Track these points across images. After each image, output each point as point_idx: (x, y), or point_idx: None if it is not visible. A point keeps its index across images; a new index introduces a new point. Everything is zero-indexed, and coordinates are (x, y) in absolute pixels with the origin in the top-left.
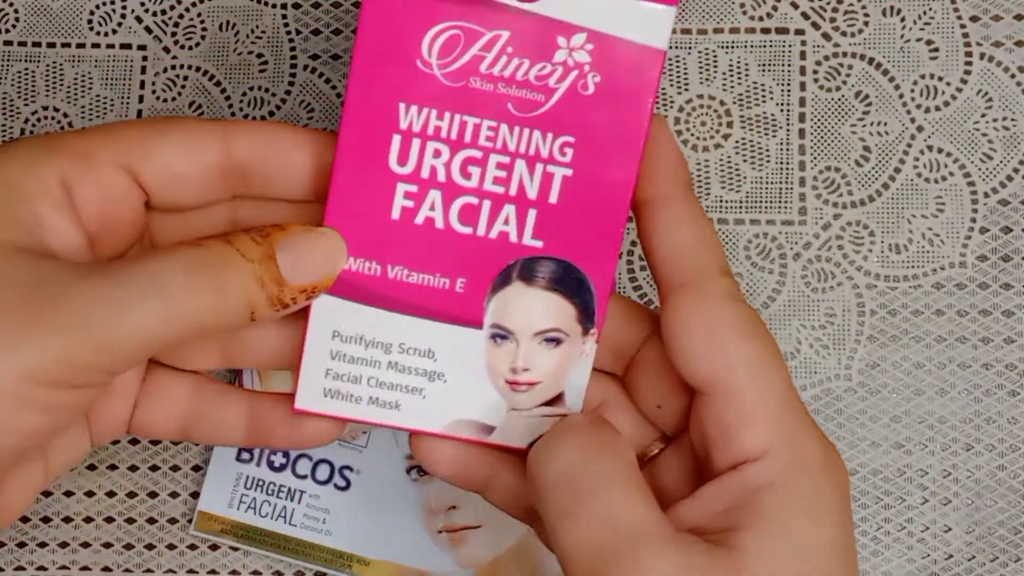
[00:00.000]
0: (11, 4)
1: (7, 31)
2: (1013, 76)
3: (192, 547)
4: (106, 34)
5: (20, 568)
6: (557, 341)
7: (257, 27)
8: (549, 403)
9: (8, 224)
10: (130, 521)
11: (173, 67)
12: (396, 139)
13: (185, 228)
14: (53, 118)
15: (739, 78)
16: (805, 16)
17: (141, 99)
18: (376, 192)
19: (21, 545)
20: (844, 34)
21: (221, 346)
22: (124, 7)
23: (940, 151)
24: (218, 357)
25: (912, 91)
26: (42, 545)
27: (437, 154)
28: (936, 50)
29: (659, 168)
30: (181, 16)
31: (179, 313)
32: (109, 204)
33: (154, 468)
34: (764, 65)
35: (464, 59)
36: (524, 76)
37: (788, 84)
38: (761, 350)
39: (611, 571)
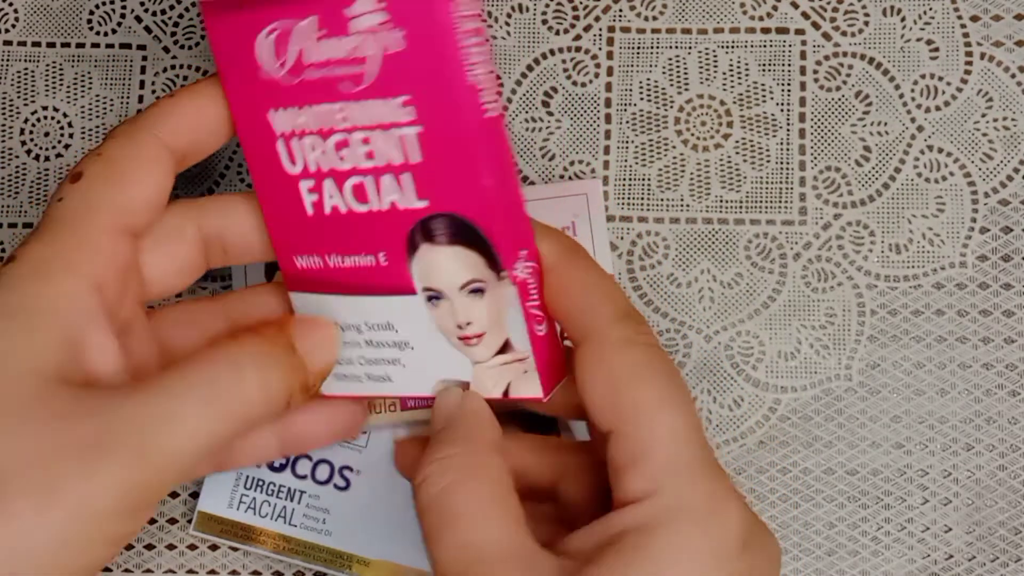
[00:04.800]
0: (11, 4)
1: (7, 31)
2: (1013, 76)
3: (192, 547)
4: (106, 34)
5: None
6: (480, 291)
7: None
8: (503, 351)
9: (47, 350)
10: None
11: (173, 67)
12: (280, 144)
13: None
14: (53, 118)
15: (739, 78)
16: (805, 16)
17: (141, 99)
18: (287, 195)
19: None
20: (844, 34)
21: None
22: (124, 7)
23: (940, 151)
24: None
25: (912, 91)
26: None
27: (314, 147)
28: (936, 50)
29: (541, 243)
30: (181, 16)
31: (229, 414)
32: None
33: None
34: (764, 65)
35: (291, 55)
36: (341, 54)
37: (788, 84)
38: (655, 394)
39: None
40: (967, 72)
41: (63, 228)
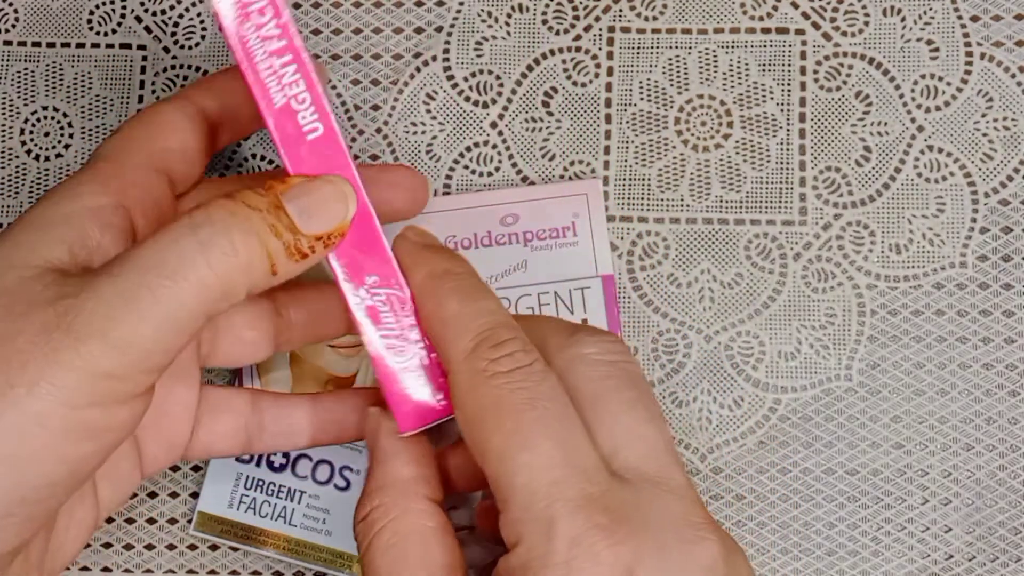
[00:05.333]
0: (11, 4)
1: (7, 31)
2: (1014, 76)
3: (192, 547)
4: (106, 34)
5: None
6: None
7: None
8: None
9: (48, 249)
10: (130, 521)
11: (173, 67)
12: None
13: None
14: (53, 118)
15: (739, 78)
16: (805, 16)
17: (141, 99)
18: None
19: None
20: (844, 34)
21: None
22: (124, 7)
23: (940, 151)
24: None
25: (912, 91)
26: None
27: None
28: (936, 50)
29: (410, 272)
30: (181, 16)
31: (199, 285)
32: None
33: None
34: (764, 65)
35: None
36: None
37: (788, 84)
38: (502, 440)
39: None
40: (967, 72)
41: (99, 160)
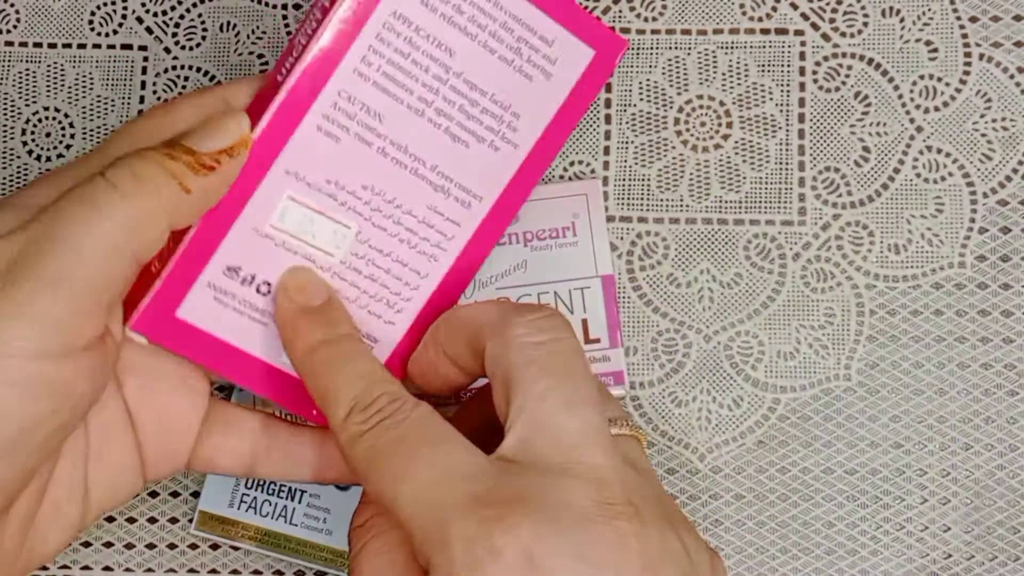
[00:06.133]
0: (12, 5)
1: (8, 31)
2: (1012, 77)
3: (193, 546)
4: (107, 35)
5: None
6: None
7: (258, 28)
8: None
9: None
10: (131, 520)
11: (174, 68)
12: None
13: None
14: (54, 119)
15: (739, 79)
16: (804, 17)
17: (142, 99)
18: None
19: None
20: (843, 35)
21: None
22: (125, 8)
23: (939, 151)
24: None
25: (911, 92)
26: None
27: None
28: (935, 51)
29: (287, 347)
30: (182, 17)
31: (120, 213)
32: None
33: None
34: (764, 66)
35: None
36: None
37: (787, 85)
38: (385, 481)
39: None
40: (966, 73)
41: (95, 150)
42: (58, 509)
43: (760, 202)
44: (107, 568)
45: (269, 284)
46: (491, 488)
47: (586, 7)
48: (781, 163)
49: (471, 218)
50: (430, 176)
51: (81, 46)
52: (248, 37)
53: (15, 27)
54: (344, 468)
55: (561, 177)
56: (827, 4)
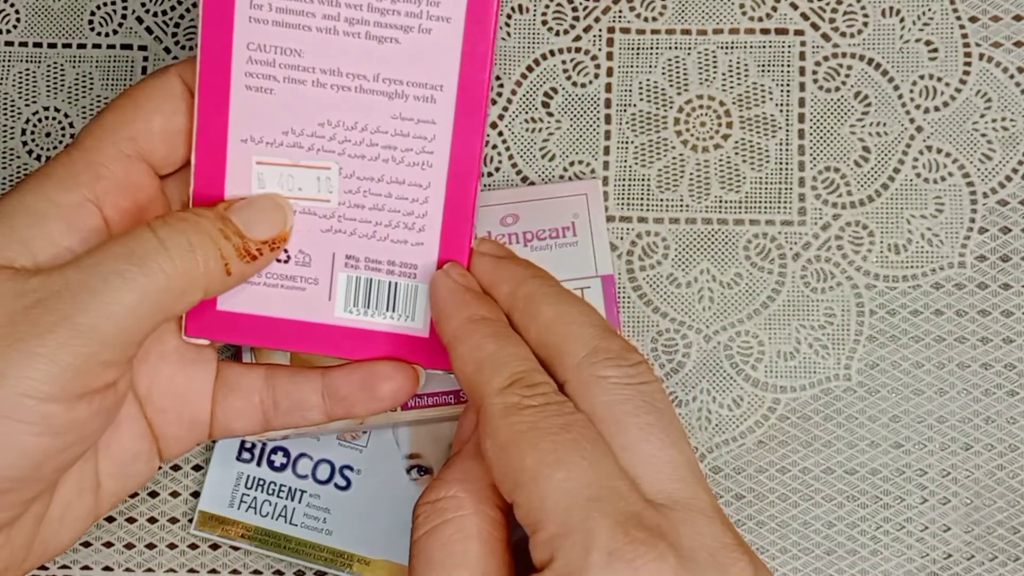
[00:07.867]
0: (12, 5)
1: (8, 31)
2: (1012, 77)
3: (193, 546)
4: (107, 35)
5: None
6: None
7: None
8: None
9: (9, 246)
10: (131, 520)
11: None
12: None
13: None
14: (54, 119)
15: (739, 79)
16: (805, 17)
17: None
18: None
19: None
20: (843, 35)
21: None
22: (125, 8)
23: (939, 151)
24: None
25: (911, 92)
26: None
27: None
28: (935, 51)
29: (443, 316)
30: (182, 17)
31: (163, 275)
32: (131, 192)
33: None
34: (764, 66)
35: None
36: None
37: (787, 84)
38: (540, 457)
39: None
40: (966, 73)
41: (74, 149)
42: (69, 507)
43: (760, 202)
44: (107, 568)
45: (286, 249)
46: (639, 512)
47: (586, 7)
48: (781, 163)
49: (442, 111)
50: (378, 87)
51: (81, 46)
52: None
53: (15, 27)
54: (351, 402)
55: (561, 177)
56: (827, 4)
